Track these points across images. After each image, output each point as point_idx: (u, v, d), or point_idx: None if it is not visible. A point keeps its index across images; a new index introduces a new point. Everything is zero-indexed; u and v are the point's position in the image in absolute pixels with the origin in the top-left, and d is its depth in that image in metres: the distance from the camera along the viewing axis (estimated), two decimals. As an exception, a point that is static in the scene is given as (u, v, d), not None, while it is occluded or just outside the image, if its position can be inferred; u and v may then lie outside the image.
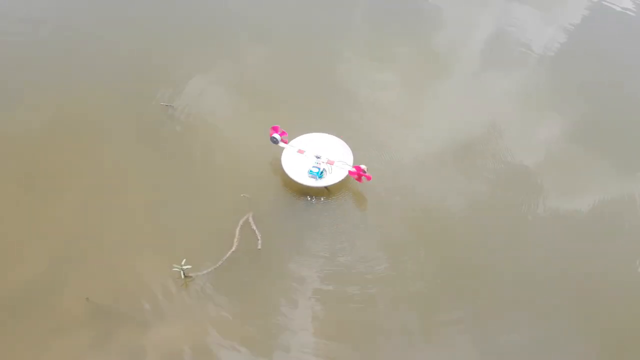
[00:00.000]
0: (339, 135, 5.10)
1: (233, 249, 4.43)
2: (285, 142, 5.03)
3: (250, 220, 4.64)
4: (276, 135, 4.97)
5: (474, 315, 4.18)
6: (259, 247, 4.47)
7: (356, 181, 4.81)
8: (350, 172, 4.80)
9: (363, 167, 4.73)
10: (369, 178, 4.73)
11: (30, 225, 4.61)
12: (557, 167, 4.91)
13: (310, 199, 4.87)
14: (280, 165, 4.89)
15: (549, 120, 5.22)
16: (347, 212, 4.82)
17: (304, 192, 4.89)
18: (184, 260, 4.20)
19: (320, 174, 4.82)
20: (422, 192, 4.88)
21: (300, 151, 4.97)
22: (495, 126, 5.15)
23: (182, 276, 4.23)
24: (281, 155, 4.98)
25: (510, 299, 4.30)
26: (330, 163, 4.90)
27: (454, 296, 4.28)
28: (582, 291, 4.33)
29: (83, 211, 4.70)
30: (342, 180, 4.82)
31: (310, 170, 4.84)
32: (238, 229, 4.56)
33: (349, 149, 5.00)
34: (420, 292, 4.33)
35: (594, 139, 5.27)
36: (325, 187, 4.89)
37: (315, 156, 4.94)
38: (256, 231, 4.55)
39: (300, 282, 4.36)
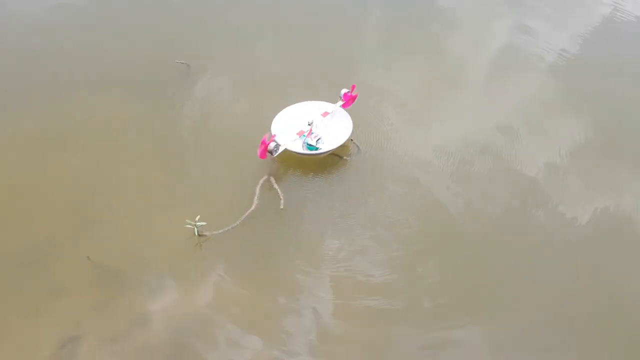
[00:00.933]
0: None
1: (252, 207, 4.01)
2: (276, 141, 4.26)
3: (272, 179, 4.21)
4: (271, 145, 4.15)
5: (485, 325, 3.62)
6: (282, 206, 4.04)
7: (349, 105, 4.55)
8: (344, 105, 4.57)
9: (345, 90, 4.51)
10: (354, 97, 4.55)
11: (36, 182, 4.23)
12: (571, 176, 4.31)
13: (339, 157, 4.43)
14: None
15: (562, 129, 4.61)
16: (368, 178, 4.38)
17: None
18: (198, 216, 3.77)
19: (315, 147, 4.37)
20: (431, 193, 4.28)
21: (300, 133, 4.45)
22: (508, 134, 4.52)
23: (196, 234, 3.79)
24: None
25: (524, 307, 3.72)
26: (325, 115, 4.54)
27: (466, 299, 3.72)
28: (599, 304, 3.74)
29: (94, 169, 4.32)
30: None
31: (309, 146, 4.38)
32: (258, 187, 4.14)
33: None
34: (432, 279, 3.87)
35: (609, 148, 4.60)
36: (353, 142, 4.48)
37: (308, 123, 4.47)
38: (278, 190, 4.12)
39: (320, 246, 3.92)
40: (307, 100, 4.68)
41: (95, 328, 3.45)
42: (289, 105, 4.62)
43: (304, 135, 4.41)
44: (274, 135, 4.25)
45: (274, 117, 4.50)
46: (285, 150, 4.26)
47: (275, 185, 4.16)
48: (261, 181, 4.19)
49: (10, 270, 3.68)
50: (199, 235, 3.81)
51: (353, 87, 4.59)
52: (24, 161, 4.37)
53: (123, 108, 4.83)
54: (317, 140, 4.41)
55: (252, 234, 3.93)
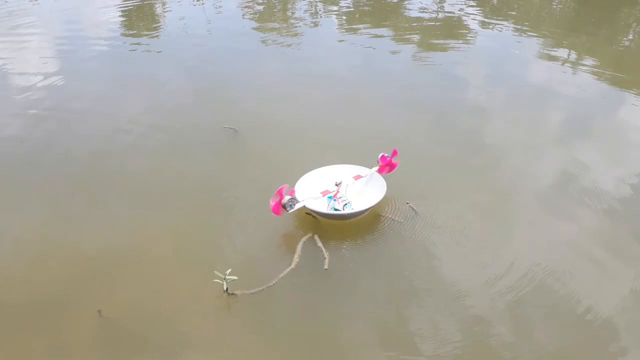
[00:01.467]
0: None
1: (292, 266, 3.45)
2: (297, 200, 3.78)
3: (316, 237, 3.69)
4: (285, 199, 3.62)
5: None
6: (326, 266, 3.45)
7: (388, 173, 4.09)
8: (380, 169, 4.09)
9: (386, 154, 4.07)
10: (393, 165, 4.11)
11: (53, 229, 3.97)
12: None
13: (387, 220, 3.88)
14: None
15: (623, 267, 3.78)
16: (422, 240, 3.75)
17: (377, 212, 3.93)
18: (229, 270, 3.24)
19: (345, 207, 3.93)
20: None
21: (325, 193, 3.96)
22: (565, 269, 3.69)
23: (225, 291, 3.24)
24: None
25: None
26: (357, 178, 4.05)
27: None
28: None
29: (120, 212, 4.05)
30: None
31: (335, 208, 3.92)
32: (300, 244, 3.61)
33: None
34: None
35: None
36: (409, 205, 3.93)
37: (335, 183, 3.98)
38: (323, 249, 3.57)
39: (366, 318, 3.22)
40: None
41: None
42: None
43: (329, 197, 3.92)
44: (293, 190, 3.78)
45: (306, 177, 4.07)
46: (312, 211, 3.80)
47: (320, 244, 3.62)
48: (304, 238, 3.68)
49: (11, 323, 3.22)
50: (228, 293, 3.25)
51: (394, 152, 4.10)
52: (52, 213, 4.15)
53: (163, 161, 4.67)
54: (345, 205, 3.90)
55: (290, 296, 3.32)
